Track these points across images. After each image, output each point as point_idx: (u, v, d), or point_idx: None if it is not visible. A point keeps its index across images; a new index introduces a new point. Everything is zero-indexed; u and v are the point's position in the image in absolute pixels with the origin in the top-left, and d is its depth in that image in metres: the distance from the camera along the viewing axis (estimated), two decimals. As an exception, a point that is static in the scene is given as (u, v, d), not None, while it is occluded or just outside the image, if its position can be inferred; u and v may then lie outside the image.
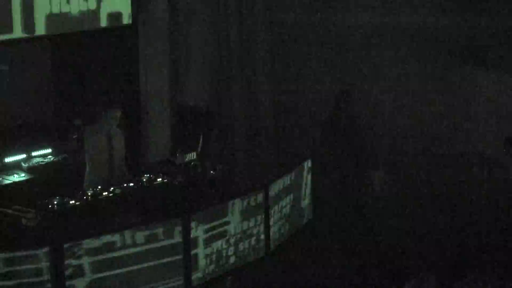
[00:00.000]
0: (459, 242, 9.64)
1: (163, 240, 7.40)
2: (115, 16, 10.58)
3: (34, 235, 8.16)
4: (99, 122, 9.16)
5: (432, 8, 10.29)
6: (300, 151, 10.85)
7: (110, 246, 7.10)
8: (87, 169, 9.14)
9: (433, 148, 10.47)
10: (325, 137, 10.18)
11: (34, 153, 10.48)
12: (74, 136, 10.34)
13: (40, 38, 10.20)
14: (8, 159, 10.25)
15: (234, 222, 8.04)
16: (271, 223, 8.47)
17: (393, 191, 10.44)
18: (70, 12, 10.09)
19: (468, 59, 10.20)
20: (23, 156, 10.38)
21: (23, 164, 10.25)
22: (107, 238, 7.12)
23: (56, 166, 10.10)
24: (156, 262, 7.38)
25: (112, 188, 8.90)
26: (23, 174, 10.08)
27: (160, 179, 9.27)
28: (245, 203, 8.16)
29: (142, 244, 7.27)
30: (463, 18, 10.14)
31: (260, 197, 8.31)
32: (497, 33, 9.99)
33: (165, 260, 7.43)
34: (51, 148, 10.66)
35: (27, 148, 10.45)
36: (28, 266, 6.70)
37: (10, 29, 9.56)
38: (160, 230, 7.39)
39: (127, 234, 7.21)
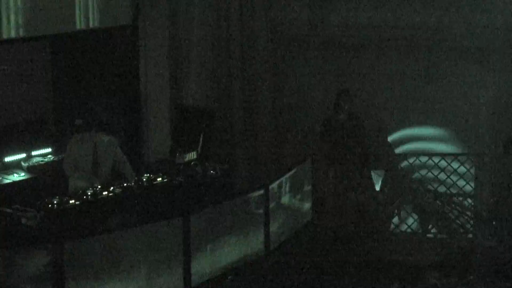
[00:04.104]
0: (459, 241, 9.64)
1: (162, 239, 7.40)
2: (115, 16, 10.59)
3: (34, 235, 8.16)
4: (85, 132, 9.21)
5: (432, 8, 10.29)
6: (300, 151, 10.84)
7: (109, 246, 7.09)
8: (70, 175, 9.20)
9: (433, 148, 10.46)
10: (325, 136, 10.19)
11: (34, 153, 10.49)
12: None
13: (40, 38, 10.21)
14: (8, 159, 10.25)
15: (234, 222, 8.05)
16: (271, 223, 8.46)
17: (393, 190, 10.44)
18: (70, 12, 10.10)
19: (469, 59, 10.20)
20: (23, 155, 10.39)
21: (23, 164, 10.26)
22: (106, 238, 7.12)
23: (56, 166, 10.10)
24: (156, 261, 7.37)
25: (112, 188, 8.90)
26: (23, 174, 10.09)
27: (160, 179, 9.27)
28: (245, 203, 8.16)
29: (141, 244, 7.27)
30: (463, 18, 10.14)
31: (260, 197, 8.30)
32: (498, 33, 9.99)
33: (165, 260, 7.43)
34: (51, 148, 10.67)
35: (27, 148, 10.45)
36: (28, 265, 6.69)
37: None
38: (160, 230, 7.38)
39: (127, 234, 7.21)
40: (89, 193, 8.74)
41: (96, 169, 9.18)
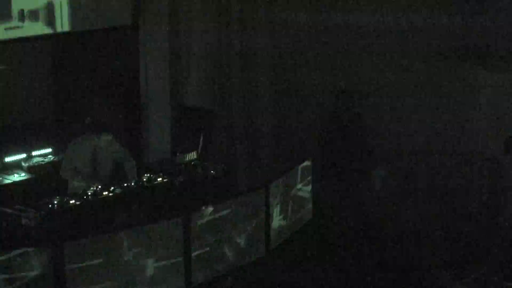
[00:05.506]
0: (459, 241, 9.65)
1: (163, 239, 7.40)
2: (115, 16, 10.59)
3: (34, 235, 8.16)
4: (84, 136, 9.22)
5: (432, 8, 10.29)
6: (300, 151, 10.84)
7: (109, 246, 7.09)
8: (69, 179, 9.20)
9: (433, 148, 10.46)
10: (326, 136, 10.19)
11: (34, 153, 10.50)
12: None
13: (41, 38, 10.21)
14: (8, 159, 10.26)
15: (234, 221, 8.05)
16: (271, 222, 8.46)
17: (393, 190, 10.44)
18: (70, 12, 10.11)
19: (468, 59, 10.19)
20: (23, 155, 10.40)
21: (23, 164, 10.27)
22: (106, 238, 7.11)
23: (56, 166, 10.11)
24: (156, 261, 7.37)
25: (112, 188, 8.90)
26: (23, 174, 10.10)
27: (160, 179, 9.27)
28: (245, 202, 8.16)
29: (142, 244, 7.27)
30: (463, 18, 10.14)
31: (260, 197, 8.30)
32: (497, 33, 9.99)
33: (165, 260, 7.43)
34: (51, 148, 10.67)
35: (27, 148, 10.46)
36: (28, 266, 6.69)
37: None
38: (160, 230, 7.38)
39: (127, 234, 7.20)
40: (89, 193, 8.74)
41: (96, 173, 9.18)
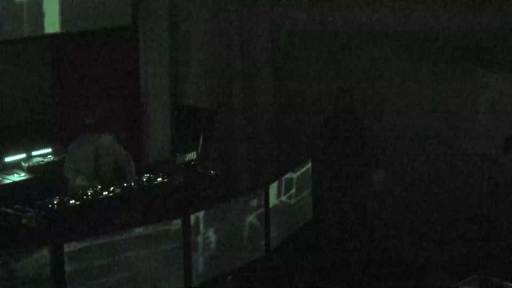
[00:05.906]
0: (459, 241, 9.65)
1: (163, 240, 7.40)
2: (115, 16, 10.59)
3: (34, 235, 8.16)
4: (85, 136, 9.21)
5: (433, 7, 10.29)
6: (300, 151, 10.84)
7: (109, 246, 7.09)
8: (71, 179, 9.19)
9: (433, 148, 10.46)
10: (326, 136, 10.18)
11: (34, 153, 10.50)
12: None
13: (41, 38, 10.22)
14: (8, 159, 10.26)
15: (234, 221, 8.05)
16: (271, 223, 8.46)
17: (393, 191, 10.44)
18: (70, 12, 10.11)
19: (469, 59, 10.19)
20: (23, 155, 10.40)
21: (23, 164, 10.27)
22: (106, 238, 7.11)
23: (56, 166, 10.12)
24: (156, 261, 7.37)
25: (112, 188, 8.90)
26: (23, 174, 10.10)
27: (160, 179, 9.27)
28: (245, 202, 8.16)
29: (142, 244, 7.27)
30: (463, 18, 10.13)
31: (260, 197, 8.30)
32: (498, 33, 9.99)
33: (165, 260, 7.43)
34: (51, 148, 10.68)
35: (27, 148, 10.46)
36: (28, 266, 6.69)
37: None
38: (160, 230, 7.38)
39: (127, 234, 7.20)
40: (89, 193, 8.74)
41: (98, 173, 9.18)
